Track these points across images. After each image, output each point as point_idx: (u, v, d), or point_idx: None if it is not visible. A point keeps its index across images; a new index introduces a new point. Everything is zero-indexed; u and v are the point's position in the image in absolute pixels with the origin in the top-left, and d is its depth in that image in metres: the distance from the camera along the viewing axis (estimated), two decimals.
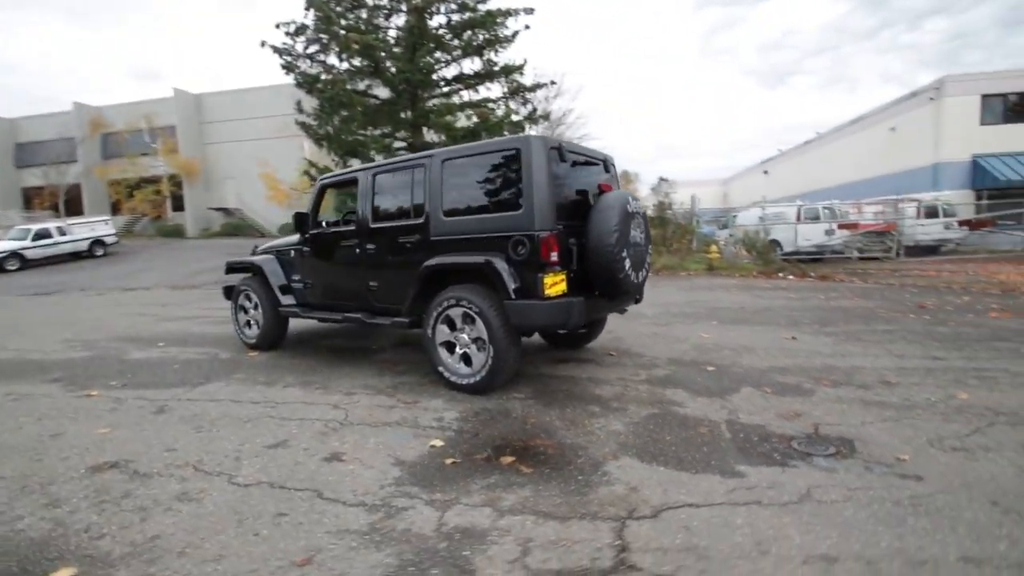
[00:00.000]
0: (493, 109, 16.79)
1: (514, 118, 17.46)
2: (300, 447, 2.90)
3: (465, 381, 3.74)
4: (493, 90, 17.99)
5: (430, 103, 18.20)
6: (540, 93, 18.82)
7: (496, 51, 17.45)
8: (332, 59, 17.31)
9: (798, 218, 15.47)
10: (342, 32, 15.97)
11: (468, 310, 3.66)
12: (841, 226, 15.36)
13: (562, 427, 3.14)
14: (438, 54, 17.15)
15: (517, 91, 17.90)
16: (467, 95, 18.47)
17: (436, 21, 17.16)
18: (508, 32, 17.19)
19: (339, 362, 4.87)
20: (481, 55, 17.44)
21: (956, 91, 20.15)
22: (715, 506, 2.22)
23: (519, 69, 17.57)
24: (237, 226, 31.64)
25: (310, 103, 17.49)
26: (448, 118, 17.30)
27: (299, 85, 17.26)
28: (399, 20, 18.39)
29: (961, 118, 20.16)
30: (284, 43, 16.87)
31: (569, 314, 3.45)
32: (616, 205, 3.66)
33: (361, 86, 17.00)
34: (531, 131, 21.21)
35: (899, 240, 14.79)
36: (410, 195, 4.14)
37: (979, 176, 19.82)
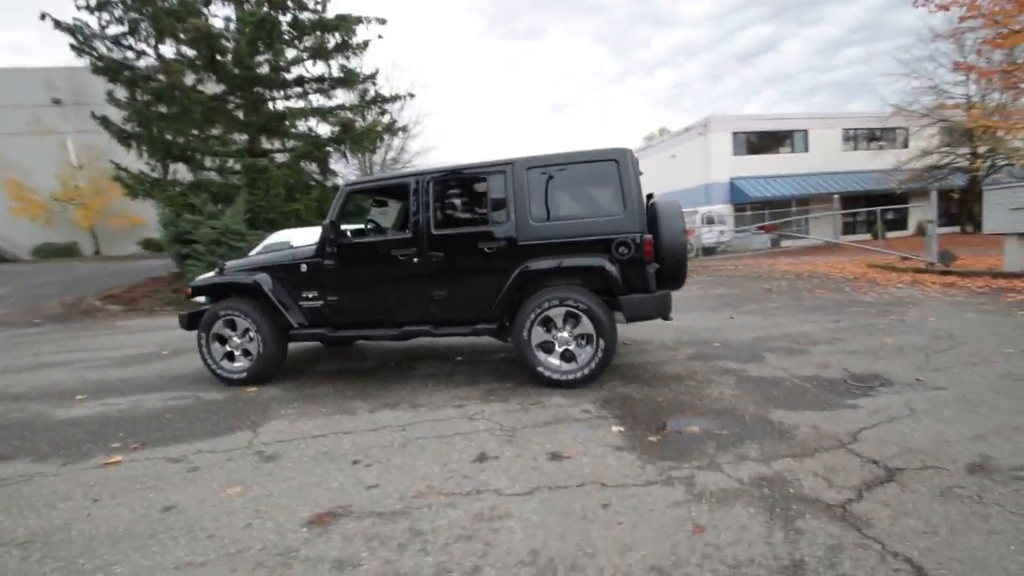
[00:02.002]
0: (354, 119, 16.00)
1: (378, 128, 16.93)
2: (508, 455, 2.80)
3: (569, 377, 3.92)
4: (338, 97, 17.16)
5: (277, 105, 16.49)
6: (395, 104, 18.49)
7: (348, 57, 16.69)
8: (144, 44, 14.42)
9: None
10: (165, 14, 13.46)
11: (573, 309, 3.87)
12: None
13: (690, 399, 3.62)
14: (288, 52, 15.67)
15: (375, 101, 17.37)
16: (318, 101, 17.20)
17: (282, 18, 15.63)
18: (359, 40, 16.59)
19: (374, 382, 4.45)
20: (330, 59, 16.47)
21: (717, 128, 26.25)
22: (878, 426, 2.98)
23: (372, 78, 17.12)
24: None
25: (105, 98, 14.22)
26: (306, 125, 15.92)
27: (99, 72, 13.95)
28: (227, 10, 16.31)
29: (721, 149, 26.35)
30: (76, 20, 13.45)
31: (668, 304, 3.95)
32: (678, 209, 4.29)
33: (189, 80, 14.48)
34: (389, 141, 20.74)
35: (697, 243, 18.89)
36: (487, 201, 4.12)
37: (736, 194, 26.11)
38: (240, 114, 15.74)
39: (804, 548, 1.90)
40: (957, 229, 26.68)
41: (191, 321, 4.73)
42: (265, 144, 16.73)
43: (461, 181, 4.21)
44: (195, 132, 14.76)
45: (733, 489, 2.36)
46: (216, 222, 13.56)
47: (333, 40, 16.08)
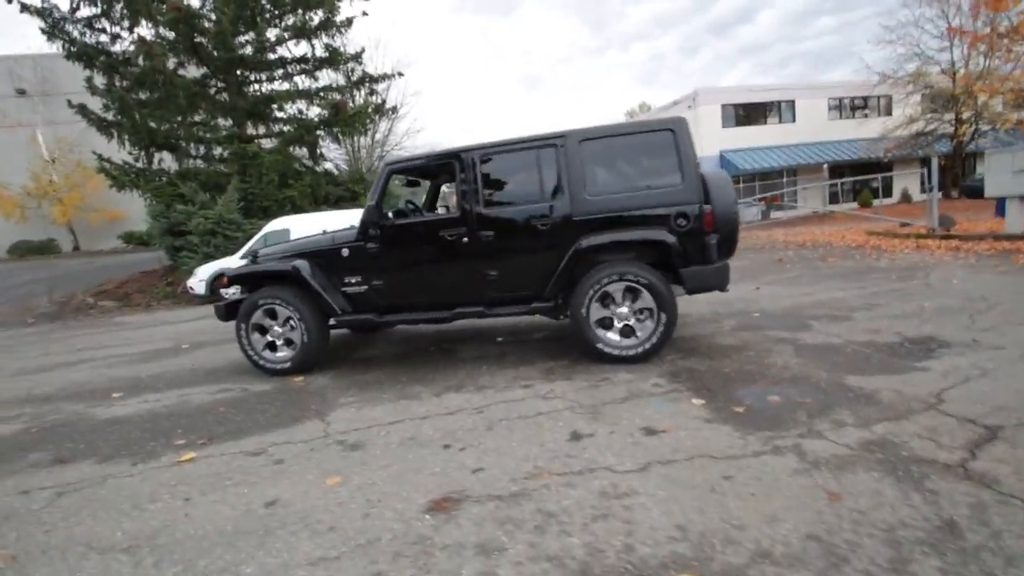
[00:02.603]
0: (346, 100, 15.50)
1: (368, 110, 16.46)
2: (601, 432, 2.75)
3: (631, 352, 3.87)
4: (324, 78, 16.57)
5: (263, 88, 15.92)
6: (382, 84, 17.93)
7: (332, 36, 16.11)
8: (119, 27, 13.71)
9: None
10: None
11: (633, 283, 3.81)
12: None
13: (757, 369, 3.60)
14: (270, 32, 15.06)
15: (362, 81, 16.86)
16: (303, 83, 16.63)
17: None
18: (342, 17, 15.99)
19: (423, 367, 4.35)
20: (314, 38, 15.87)
21: (706, 101, 26.16)
22: (957, 387, 3.00)
23: (358, 57, 16.61)
24: None
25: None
26: (295, 108, 15.41)
27: (74, 58, 13.27)
28: None
29: (710, 122, 26.30)
30: (45, 1, 12.70)
31: (727, 275, 3.91)
32: (728, 179, 4.22)
33: (169, 64, 13.84)
34: (381, 124, 20.25)
35: None
36: (538, 176, 4.00)
37: (726, 166, 26.14)
38: (224, 98, 15.16)
39: (948, 508, 1.89)
40: (940, 195, 27.26)
41: (229, 311, 4.55)
42: (251, 130, 16.19)
43: (511, 156, 4.08)
44: (179, 118, 14.17)
45: (846, 455, 2.35)
46: (209, 212, 13.15)
47: (316, 18, 15.52)
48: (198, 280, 11.68)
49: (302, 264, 4.35)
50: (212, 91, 15.41)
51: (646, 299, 3.83)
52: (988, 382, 3.04)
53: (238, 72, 15.29)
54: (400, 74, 17.44)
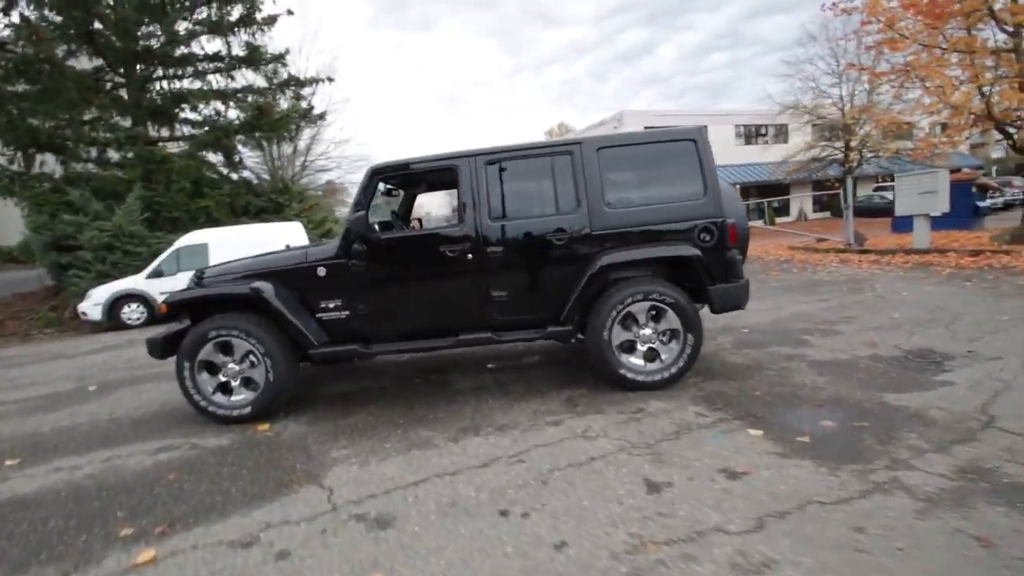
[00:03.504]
0: (272, 103, 14.23)
1: (293, 115, 15.25)
2: (678, 480, 2.37)
3: (655, 378, 3.56)
4: (243, 79, 15.18)
5: (170, 86, 14.23)
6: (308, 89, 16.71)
7: (253, 34, 14.83)
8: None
9: None
10: None
11: (658, 303, 3.51)
12: None
13: (790, 390, 3.43)
14: (181, 25, 13.51)
15: (287, 83, 15.66)
16: (218, 82, 15.11)
17: None
18: (264, 15, 14.80)
19: (418, 404, 3.75)
20: (231, 34, 14.50)
21: (631, 122, 27.33)
22: (994, 400, 2.99)
23: (281, 58, 15.43)
24: None
25: None
26: (211, 109, 13.89)
27: None
28: None
29: None
30: None
31: (748, 292, 3.74)
32: (736, 192, 4.10)
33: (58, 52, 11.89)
34: (305, 131, 18.86)
35: None
36: (553, 186, 3.60)
37: None
38: (124, 95, 13.31)
39: None
40: (827, 214, 30.57)
41: (167, 346, 3.67)
42: (156, 131, 14.36)
43: (521, 164, 3.65)
44: (68, 115, 12.19)
45: (951, 488, 2.16)
46: (106, 224, 11.36)
47: (235, 12, 14.19)
48: (92, 304, 9.97)
49: (264, 286, 3.60)
50: (109, 86, 13.50)
51: (671, 319, 3.55)
52: (1018, 394, 3.06)
53: (141, 66, 13.53)
54: (330, 79, 16.40)
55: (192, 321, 3.86)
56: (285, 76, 15.40)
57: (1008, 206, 20.19)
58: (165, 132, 14.80)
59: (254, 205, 14.87)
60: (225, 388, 3.67)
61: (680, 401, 3.38)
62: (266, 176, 18.60)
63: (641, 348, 3.61)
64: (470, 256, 3.57)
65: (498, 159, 3.63)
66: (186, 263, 10.19)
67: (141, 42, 13.03)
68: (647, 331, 3.60)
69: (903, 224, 13.63)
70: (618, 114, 27.77)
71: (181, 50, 13.93)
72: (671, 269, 3.71)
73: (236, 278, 3.77)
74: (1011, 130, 11.58)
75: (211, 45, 14.77)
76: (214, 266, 4.03)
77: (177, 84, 14.58)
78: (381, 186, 3.83)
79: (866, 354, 4.11)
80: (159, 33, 13.35)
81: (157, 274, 10.31)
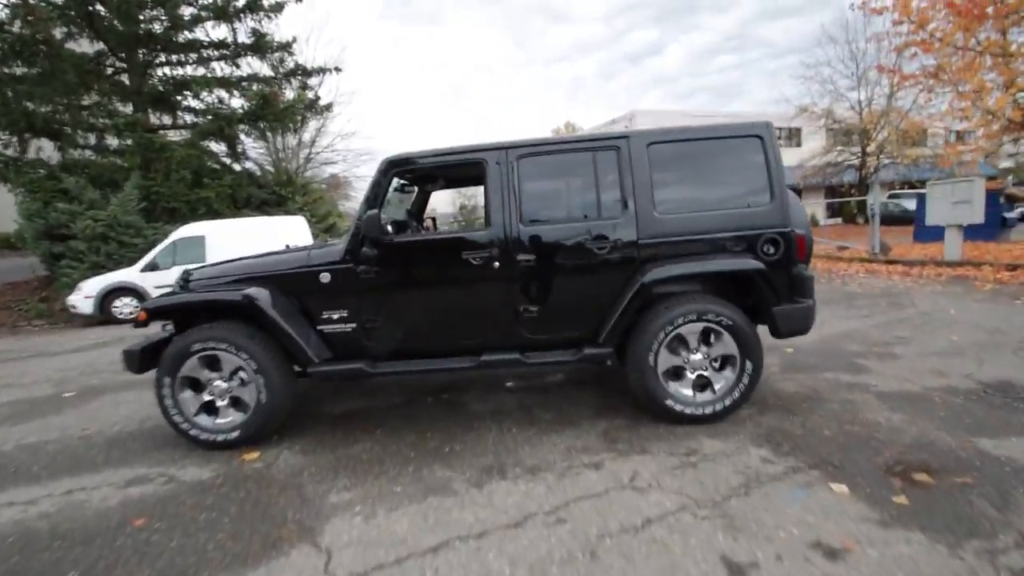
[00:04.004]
0: (278, 92, 13.76)
1: (299, 105, 14.76)
2: (763, 558, 1.90)
3: (707, 410, 3.08)
4: (249, 67, 14.68)
5: (173, 72, 13.79)
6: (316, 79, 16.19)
7: (259, 20, 14.35)
8: None
9: None
10: None
11: (714, 325, 3.03)
12: None
13: (864, 431, 2.95)
14: (185, 9, 13.04)
15: (294, 72, 15.18)
16: (222, 70, 14.65)
17: None
18: (272, 1, 14.31)
19: (431, 430, 3.29)
20: (236, 21, 14.02)
21: (643, 121, 26.79)
22: None
23: (288, 46, 14.93)
24: None
25: None
26: (214, 97, 13.44)
27: None
28: None
29: None
30: None
31: (814, 315, 3.25)
32: (798, 199, 3.61)
33: (56, 35, 11.41)
34: (311, 123, 18.38)
35: None
36: (595, 187, 3.12)
37: None
38: (125, 80, 12.86)
39: None
40: (839, 221, 30.00)
41: (145, 359, 3.20)
42: (157, 119, 13.91)
43: (559, 160, 3.17)
44: (66, 100, 11.74)
45: None
46: (101, 212, 10.92)
47: None
48: (83, 296, 9.54)
49: (259, 293, 3.13)
50: (109, 71, 13.05)
51: (727, 344, 3.07)
52: None
53: (143, 51, 13.07)
54: (337, 69, 15.88)
55: (176, 329, 3.40)
56: (291, 65, 14.93)
57: None
58: (167, 120, 14.37)
59: (256, 197, 14.43)
60: (210, 408, 3.20)
61: (738, 440, 2.90)
62: (270, 168, 18.13)
63: (690, 376, 3.14)
64: (497, 264, 3.09)
65: (533, 153, 3.14)
66: (183, 256, 9.76)
67: (143, 26, 12.57)
68: (698, 356, 3.12)
69: (927, 234, 13.11)
70: (629, 113, 27.24)
71: (185, 35, 13.48)
72: (724, 285, 3.23)
73: (227, 282, 3.30)
74: None
75: (216, 32, 14.34)
76: (204, 267, 3.56)
77: (180, 71, 14.14)
78: (395, 181, 3.35)
79: (938, 386, 3.62)
80: (162, 17, 12.89)
81: (152, 267, 9.87)
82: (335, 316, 3.21)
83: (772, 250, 3.10)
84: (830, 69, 23.13)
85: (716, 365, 3.15)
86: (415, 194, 4.40)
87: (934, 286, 7.87)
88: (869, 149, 23.44)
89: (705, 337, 3.10)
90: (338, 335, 3.22)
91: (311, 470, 2.85)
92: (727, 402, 3.09)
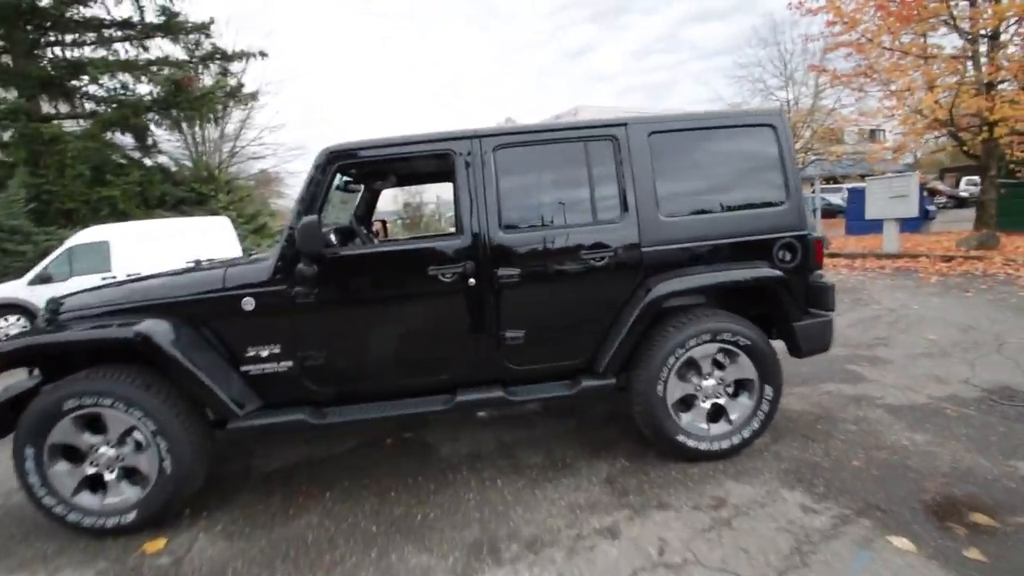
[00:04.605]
0: (193, 76, 12.32)
1: (219, 92, 13.37)
2: None
3: (723, 445, 2.64)
4: (158, 50, 13.08)
5: (68, 53, 12.05)
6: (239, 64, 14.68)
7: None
8: None
9: None
10: None
11: (729, 346, 2.59)
12: None
13: (894, 459, 2.61)
14: None
15: (211, 57, 13.74)
16: (127, 52, 12.99)
17: None
18: None
19: (395, 488, 2.65)
20: None
21: (588, 116, 26.82)
22: None
23: (206, 28, 13.50)
24: None
25: None
26: (116, 81, 11.84)
27: None
28: None
29: None
30: None
31: (833, 329, 2.88)
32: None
33: None
34: (233, 111, 16.77)
35: None
36: (589, 184, 2.58)
37: None
38: (8, 62, 11.03)
39: None
40: None
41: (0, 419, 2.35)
42: (50, 107, 12.11)
43: (544, 152, 2.60)
44: None
45: None
46: None
47: None
48: None
49: (157, 327, 2.36)
50: None
51: (743, 367, 2.64)
52: None
53: (28, 27, 11.26)
54: (263, 54, 14.50)
55: (45, 377, 2.56)
56: (209, 48, 13.48)
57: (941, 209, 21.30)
58: (65, 108, 12.55)
59: (172, 196, 12.92)
60: (95, 483, 2.40)
61: (765, 481, 2.47)
62: (188, 163, 16.38)
63: (702, 405, 2.68)
64: (472, 281, 2.49)
65: (512, 143, 2.56)
66: (81, 265, 8.41)
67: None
68: (710, 382, 2.67)
69: (859, 227, 13.76)
70: (573, 109, 27.15)
71: (79, 11, 11.76)
72: (733, 298, 2.81)
73: (113, 312, 2.50)
74: (964, 136, 11.77)
75: (120, 9, 12.68)
76: (80, 292, 2.71)
77: (77, 52, 12.37)
78: (338, 178, 2.66)
79: (943, 395, 3.39)
80: None
81: (44, 279, 8.42)
82: (264, 353, 2.48)
83: (789, 256, 2.70)
84: (760, 69, 23.94)
85: (730, 391, 2.72)
86: (361, 193, 3.70)
87: (884, 280, 8.02)
88: (797, 146, 24.59)
89: (719, 360, 2.66)
90: (269, 377, 2.50)
91: (237, 564, 2.13)
92: (745, 434, 2.67)
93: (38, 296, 8.29)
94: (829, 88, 17.37)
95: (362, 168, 2.81)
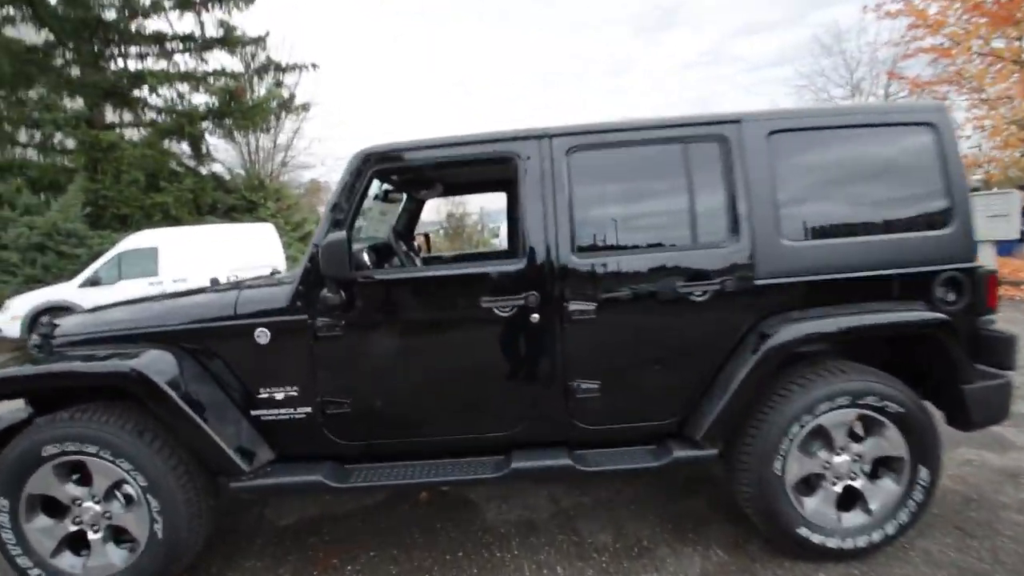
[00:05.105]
0: (245, 87, 12.51)
1: (271, 102, 13.54)
2: None
3: (860, 543, 1.99)
4: (216, 62, 13.37)
5: (128, 64, 12.44)
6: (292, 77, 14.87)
7: (228, 11, 13.10)
8: None
9: None
10: None
11: (875, 413, 1.95)
12: None
13: None
14: None
15: (267, 68, 13.94)
16: (186, 64, 13.33)
17: None
18: None
19: (441, 562, 2.15)
20: (203, 11, 12.75)
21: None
22: None
23: (261, 40, 13.72)
24: None
25: None
26: (173, 92, 12.10)
27: None
28: None
29: None
30: None
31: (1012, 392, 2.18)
32: None
33: None
34: (286, 122, 17.11)
35: None
36: (688, 197, 2.03)
37: None
38: (74, 72, 11.47)
39: None
40: None
41: None
42: (112, 116, 12.53)
43: (633, 155, 2.07)
44: (2, 93, 10.37)
45: None
46: (38, 219, 9.55)
47: None
48: (10, 316, 8.16)
49: (155, 361, 1.94)
50: (59, 63, 11.63)
51: (891, 440, 1.99)
52: None
53: (95, 40, 11.70)
54: (314, 65, 14.65)
55: (35, 411, 2.20)
56: (264, 60, 13.71)
57: None
58: (129, 117, 13.00)
59: (223, 203, 13.09)
60: (78, 543, 2.01)
61: None
62: (241, 171, 16.74)
63: (831, 488, 2.04)
64: (536, 317, 1.97)
65: (592, 144, 2.03)
66: (130, 269, 8.50)
67: (93, 12, 11.21)
68: (843, 458, 2.03)
69: None
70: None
71: (142, 25, 12.17)
72: (872, 347, 2.16)
73: (110, 338, 2.11)
74: None
75: (181, 24, 13.06)
76: (79, 314, 2.36)
77: (138, 64, 12.81)
78: (375, 185, 2.20)
79: None
80: (116, 3, 11.57)
81: (93, 282, 8.52)
82: (279, 396, 2.04)
83: (953, 296, 2.04)
84: (824, 79, 22.62)
85: (866, 470, 2.07)
86: (403, 204, 3.26)
87: None
88: None
89: (861, 430, 2.02)
90: (284, 424, 2.05)
91: None
92: (889, 529, 2.01)
93: (88, 299, 8.38)
94: (905, 96, 16.03)
95: (404, 174, 2.36)
